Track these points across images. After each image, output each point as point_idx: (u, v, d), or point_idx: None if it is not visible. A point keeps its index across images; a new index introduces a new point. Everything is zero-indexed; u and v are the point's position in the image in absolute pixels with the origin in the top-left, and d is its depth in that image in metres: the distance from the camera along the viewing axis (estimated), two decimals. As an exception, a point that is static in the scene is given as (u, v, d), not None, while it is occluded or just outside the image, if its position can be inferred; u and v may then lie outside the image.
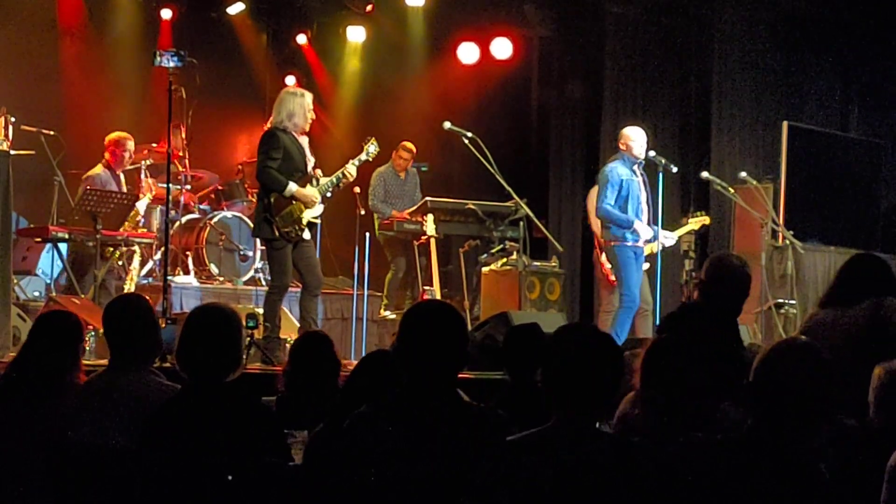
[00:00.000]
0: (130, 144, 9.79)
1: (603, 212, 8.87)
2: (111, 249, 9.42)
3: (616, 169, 8.88)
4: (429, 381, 3.44)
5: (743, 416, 4.32)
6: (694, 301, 5.62)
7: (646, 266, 9.06)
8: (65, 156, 9.78)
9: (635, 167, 8.94)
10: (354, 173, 8.30)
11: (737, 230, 10.49)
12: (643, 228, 8.88)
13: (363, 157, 8.38)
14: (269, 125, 8.11)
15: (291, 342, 7.82)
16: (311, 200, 7.96)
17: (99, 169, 9.69)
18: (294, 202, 7.91)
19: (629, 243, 8.85)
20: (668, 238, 9.31)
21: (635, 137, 8.98)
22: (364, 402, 3.78)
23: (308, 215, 7.98)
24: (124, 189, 9.71)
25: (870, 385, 3.77)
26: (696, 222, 9.88)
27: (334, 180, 8.18)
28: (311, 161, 8.12)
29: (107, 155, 9.78)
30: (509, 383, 4.91)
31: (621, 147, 8.97)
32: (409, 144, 11.15)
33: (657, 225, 8.96)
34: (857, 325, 4.87)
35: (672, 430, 3.61)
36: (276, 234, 7.88)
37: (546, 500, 3.14)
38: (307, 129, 8.11)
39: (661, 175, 8.98)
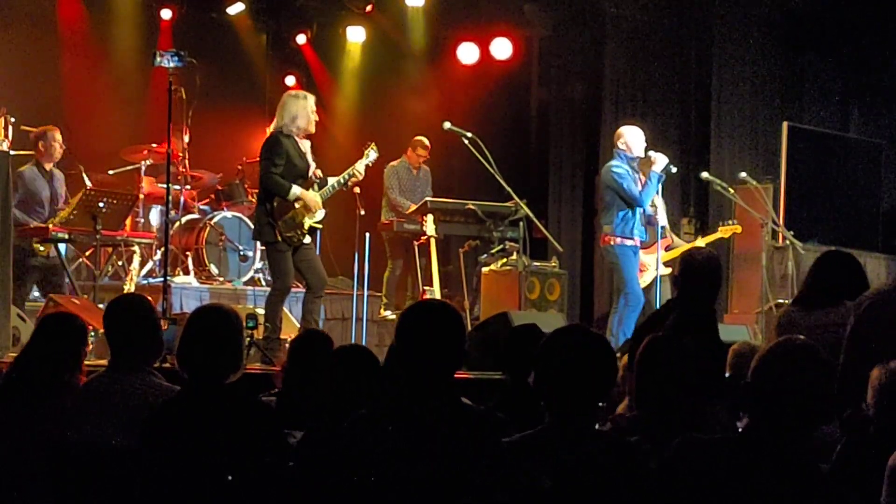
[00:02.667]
0: (57, 135, 9.31)
1: (641, 201, 8.86)
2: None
3: (619, 166, 8.88)
4: (427, 380, 3.44)
5: (731, 420, 4.34)
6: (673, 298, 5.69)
7: (666, 271, 9.07)
8: (65, 156, 9.76)
9: (634, 164, 8.96)
10: (363, 172, 8.32)
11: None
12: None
13: (365, 161, 8.39)
14: (272, 129, 8.12)
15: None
16: (315, 205, 7.97)
17: (26, 166, 9.29)
18: (296, 207, 7.92)
19: (629, 242, 8.87)
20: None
21: (634, 136, 8.99)
22: (339, 398, 3.79)
23: (310, 220, 7.99)
24: (59, 186, 9.42)
25: (868, 386, 3.75)
26: (726, 230, 9.86)
27: (342, 180, 8.19)
28: (312, 165, 8.12)
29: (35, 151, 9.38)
30: (508, 384, 4.91)
31: (620, 147, 8.97)
32: (425, 141, 11.10)
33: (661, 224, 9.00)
34: (840, 325, 4.88)
35: (667, 430, 3.61)
36: (279, 238, 7.89)
37: (544, 501, 3.14)
38: (312, 131, 8.12)
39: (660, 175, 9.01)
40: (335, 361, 4.17)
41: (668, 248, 9.46)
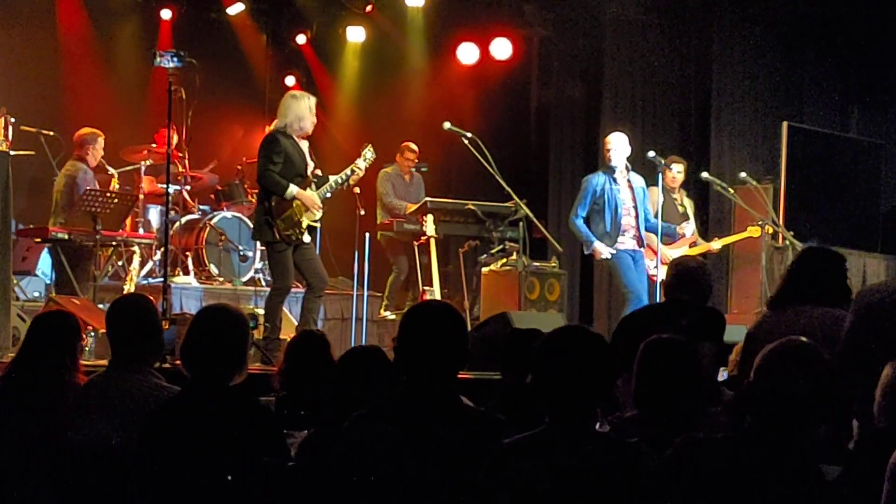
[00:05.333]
0: (101, 140, 9.57)
1: (570, 224, 9.19)
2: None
3: (591, 179, 9.07)
4: (428, 382, 3.44)
5: (731, 422, 4.32)
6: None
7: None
8: (64, 156, 9.77)
9: (616, 174, 9.02)
10: (363, 170, 8.33)
11: (737, 231, 10.48)
12: (602, 248, 9.04)
13: (362, 162, 8.40)
14: (272, 128, 8.13)
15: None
16: (312, 203, 7.98)
17: (78, 170, 9.44)
18: (295, 205, 7.92)
19: (619, 246, 8.96)
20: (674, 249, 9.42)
21: (613, 144, 9.08)
22: (349, 399, 3.78)
23: (308, 219, 8.00)
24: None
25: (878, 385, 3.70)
26: (755, 230, 9.87)
27: (343, 177, 8.20)
28: (311, 164, 8.13)
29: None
30: (506, 385, 4.90)
31: (606, 154, 9.12)
32: (412, 145, 11.13)
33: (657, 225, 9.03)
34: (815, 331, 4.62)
35: (666, 430, 3.61)
36: (277, 237, 7.90)
37: (544, 502, 3.13)
38: (310, 132, 8.13)
39: (660, 175, 9.02)
40: (348, 362, 4.15)
41: (692, 246, 9.56)
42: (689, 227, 9.71)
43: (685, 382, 4.06)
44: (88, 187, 9.35)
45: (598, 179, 9.10)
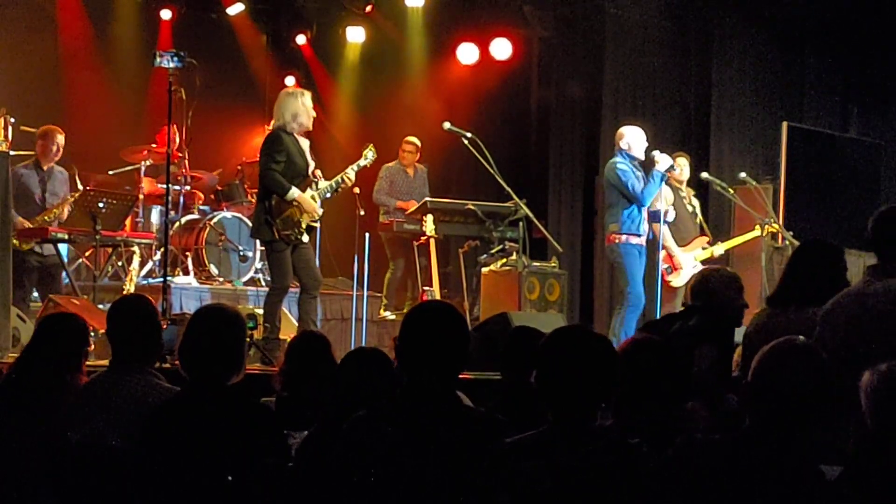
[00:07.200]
0: (57, 137, 9.29)
1: (643, 199, 8.83)
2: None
3: (624, 163, 8.89)
4: (429, 382, 3.44)
5: (710, 415, 4.30)
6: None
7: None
8: (64, 156, 9.76)
9: (636, 163, 8.99)
10: (353, 178, 8.34)
11: (737, 231, 10.49)
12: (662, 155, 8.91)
13: (362, 162, 8.42)
14: (271, 127, 8.12)
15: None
16: (311, 209, 7.97)
17: (22, 164, 9.25)
18: (294, 205, 7.92)
19: (634, 240, 8.88)
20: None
21: (635, 136, 9.01)
22: (351, 400, 3.78)
23: (307, 219, 8.00)
24: (58, 185, 9.36)
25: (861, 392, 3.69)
26: (770, 228, 9.86)
27: (333, 185, 8.20)
28: (311, 164, 8.13)
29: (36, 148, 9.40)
30: (506, 384, 4.90)
31: (622, 146, 8.99)
32: (411, 138, 11.15)
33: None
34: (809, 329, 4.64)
35: (644, 433, 3.58)
36: (276, 236, 7.90)
37: (545, 502, 3.13)
38: (310, 127, 8.13)
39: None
40: (349, 363, 4.15)
41: (706, 247, 9.55)
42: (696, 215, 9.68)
43: (663, 383, 3.98)
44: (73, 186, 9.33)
45: (628, 165, 8.88)
